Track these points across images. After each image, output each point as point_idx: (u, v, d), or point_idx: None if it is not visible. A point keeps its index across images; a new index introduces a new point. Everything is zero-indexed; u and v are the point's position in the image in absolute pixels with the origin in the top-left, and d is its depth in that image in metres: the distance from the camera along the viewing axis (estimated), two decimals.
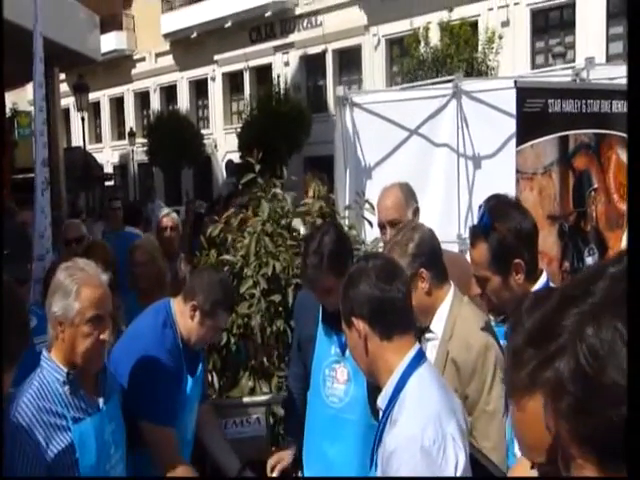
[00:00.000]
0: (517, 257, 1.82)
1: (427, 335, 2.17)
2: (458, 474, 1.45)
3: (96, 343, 1.85)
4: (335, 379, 2.34)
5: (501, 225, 1.84)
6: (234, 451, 2.82)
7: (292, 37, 22.33)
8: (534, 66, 16.59)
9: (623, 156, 2.83)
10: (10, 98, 8.70)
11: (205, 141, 23.61)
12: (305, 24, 22.05)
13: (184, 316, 2.34)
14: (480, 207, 1.99)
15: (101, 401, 1.93)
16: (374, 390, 2.35)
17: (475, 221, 1.99)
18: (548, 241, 2.70)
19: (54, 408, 1.78)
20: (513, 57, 16.40)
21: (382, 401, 1.61)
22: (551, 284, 1.88)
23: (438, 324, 2.15)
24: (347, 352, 2.31)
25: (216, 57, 23.98)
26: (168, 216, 4.48)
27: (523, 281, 1.84)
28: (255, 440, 2.98)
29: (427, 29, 16.10)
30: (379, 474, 1.55)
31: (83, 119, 17.55)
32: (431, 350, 2.10)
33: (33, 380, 1.82)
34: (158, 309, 2.39)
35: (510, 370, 0.91)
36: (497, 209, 1.87)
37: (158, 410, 2.18)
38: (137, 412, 2.17)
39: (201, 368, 2.49)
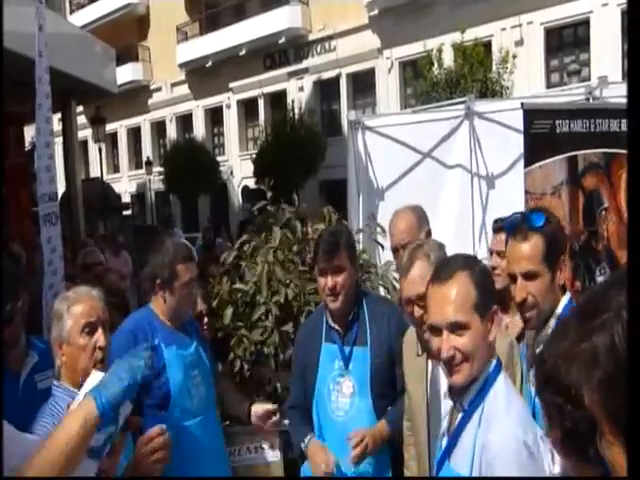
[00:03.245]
0: (563, 254, 1.83)
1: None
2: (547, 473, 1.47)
3: (94, 353, 1.87)
4: (340, 393, 2.36)
5: (552, 219, 1.85)
6: (247, 478, 2.82)
7: (306, 63, 22.62)
8: (549, 85, 16.54)
9: None
10: (30, 132, 8.89)
11: (221, 168, 23.86)
12: (319, 49, 22.34)
13: (159, 302, 2.48)
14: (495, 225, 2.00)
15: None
16: (379, 400, 2.36)
17: (489, 241, 1.99)
18: None
19: None
20: (528, 76, 16.37)
21: (465, 399, 1.56)
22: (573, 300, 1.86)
23: None
24: (351, 366, 2.33)
25: (231, 85, 24.34)
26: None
27: (562, 284, 1.84)
28: (269, 466, 2.97)
29: (440, 51, 16.13)
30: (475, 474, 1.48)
31: (100, 150, 17.88)
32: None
33: (45, 411, 1.82)
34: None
35: (555, 339, 0.98)
36: (540, 208, 1.95)
37: None
38: None
39: (195, 345, 2.54)
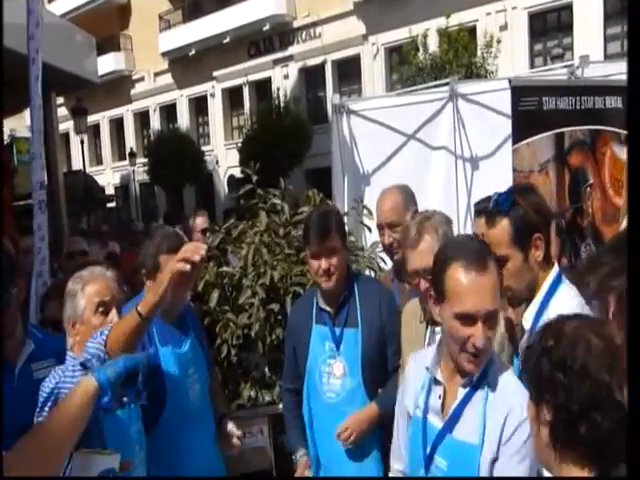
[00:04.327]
0: (537, 232, 1.84)
1: (437, 329, 2.18)
2: None
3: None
4: (332, 374, 2.35)
5: (522, 200, 1.85)
6: (237, 463, 2.81)
7: (291, 50, 22.47)
8: (533, 68, 16.61)
9: (618, 151, 2.82)
10: (8, 125, 8.74)
11: (206, 158, 23.70)
12: (304, 36, 22.19)
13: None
14: (477, 206, 1.98)
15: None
16: (370, 381, 2.37)
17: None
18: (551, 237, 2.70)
19: None
20: (512, 60, 16.43)
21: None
22: (562, 276, 1.88)
23: None
24: (341, 347, 2.32)
25: (215, 73, 24.13)
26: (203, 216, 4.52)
27: (541, 260, 1.85)
28: (258, 451, 2.96)
29: (425, 36, 16.15)
30: None
31: (82, 142, 17.66)
32: None
33: (56, 369, 1.85)
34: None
35: (583, 273, 1.07)
36: (516, 188, 1.91)
37: None
38: None
39: (190, 341, 2.49)
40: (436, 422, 1.71)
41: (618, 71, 4.05)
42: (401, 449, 1.87)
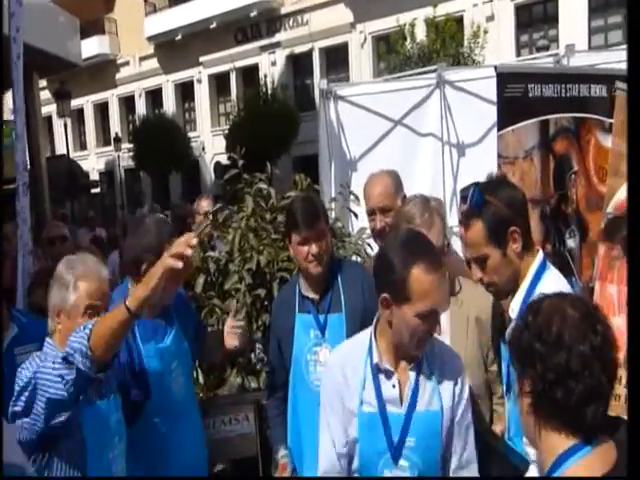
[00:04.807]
0: (512, 226, 1.85)
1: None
2: None
3: None
4: (318, 362, 2.34)
5: (493, 198, 1.86)
6: (223, 450, 2.80)
7: (278, 37, 22.30)
8: (519, 59, 16.70)
9: (602, 139, 2.85)
10: None
11: (193, 144, 23.51)
12: (291, 23, 22.03)
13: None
14: (463, 193, 1.99)
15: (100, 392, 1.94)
16: None
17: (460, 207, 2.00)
18: (530, 224, 2.71)
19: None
20: (498, 51, 16.48)
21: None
22: (547, 262, 1.90)
23: None
24: (327, 334, 2.32)
25: (201, 59, 23.89)
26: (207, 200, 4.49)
27: (521, 251, 1.87)
28: (244, 438, 2.97)
29: (413, 25, 16.17)
30: None
31: (66, 126, 17.40)
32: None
33: (34, 357, 1.82)
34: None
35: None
36: (485, 185, 1.90)
37: None
38: None
39: (174, 333, 2.40)
40: (396, 410, 1.78)
41: (603, 61, 4.09)
42: (335, 447, 1.84)
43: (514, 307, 1.88)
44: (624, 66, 3.17)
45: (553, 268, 1.91)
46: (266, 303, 3.09)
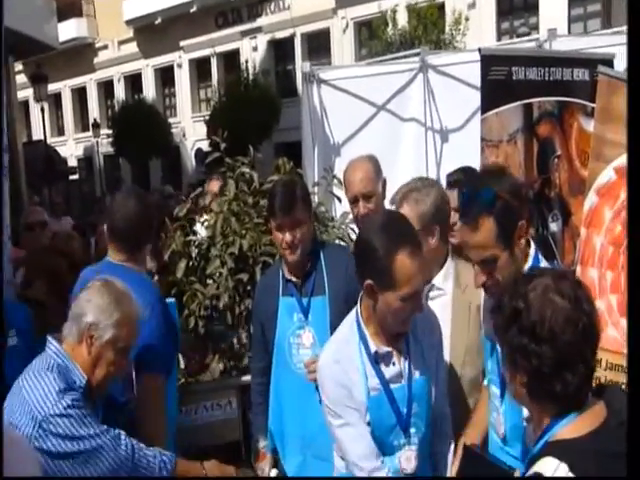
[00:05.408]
0: (521, 220, 1.74)
1: (431, 293, 2.23)
2: None
3: (115, 372, 1.90)
4: (301, 345, 2.34)
5: (500, 189, 1.72)
6: (206, 435, 2.79)
7: (259, 21, 22.05)
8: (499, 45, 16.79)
9: (584, 124, 2.86)
10: None
11: (173, 130, 23.25)
12: (273, 8, 21.79)
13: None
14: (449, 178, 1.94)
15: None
16: None
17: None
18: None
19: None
20: (479, 38, 16.49)
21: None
22: (539, 253, 1.84)
23: (443, 279, 2.25)
24: (310, 317, 2.31)
25: (182, 43, 23.55)
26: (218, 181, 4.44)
27: (524, 247, 1.79)
28: (227, 423, 2.96)
29: (395, 11, 16.14)
30: None
31: (43, 110, 17.06)
32: (443, 307, 2.16)
33: (53, 368, 1.79)
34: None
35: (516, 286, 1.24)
36: (490, 178, 1.78)
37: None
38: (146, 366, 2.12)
39: None
40: (397, 385, 1.83)
41: (584, 46, 4.10)
42: (370, 447, 1.82)
43: None
44: (604, 51, 3.18)
45: (544, 260, 1.86)
46: (249, 288, 3.07)
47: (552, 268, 1.34)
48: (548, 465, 1.14)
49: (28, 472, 1.08)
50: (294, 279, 2.39)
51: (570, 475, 1.11)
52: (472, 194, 1.76)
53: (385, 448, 1.82)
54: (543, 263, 1.83)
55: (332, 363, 1.86)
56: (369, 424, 1.81)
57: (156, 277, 3.09)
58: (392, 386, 1.82)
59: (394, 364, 1.84)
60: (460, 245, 1.92)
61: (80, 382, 1.82)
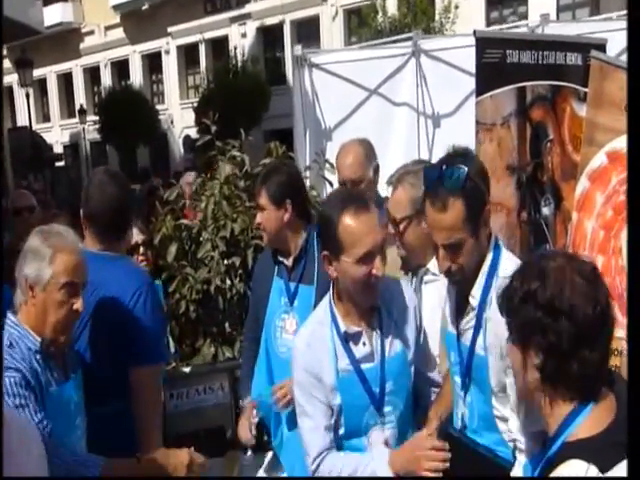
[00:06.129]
0: (486, 204, 1.67)
1: (425, 278, 2.19)
2: None
3: (68, 313, 1.79)
4: (284, 330, 2.34)
5: (472, 172, 1.62)
6: (196, 420, 2.78)
7: (248, 7, 21.83)
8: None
9: (577, 108, 2.87)
10: None
11: (161, 117, 23.03)
12: None
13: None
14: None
15: (68, 372, 1.88)
16: None
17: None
18: (507, 192, 2.72)
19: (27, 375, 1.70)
20: (469, 27, 16.44)
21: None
22: (500, 242, 1.77)
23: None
24: (295, 302, 2.31)
25: (170, 29, 23.29)
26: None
27: (489, 233, 1.71)
28: (219, 407, 2.95)
29: None
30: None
31: (28, 96, 16.80)
32: (438, 291, 2.09)
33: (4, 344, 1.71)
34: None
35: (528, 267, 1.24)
36: (462, 159, 1.68)
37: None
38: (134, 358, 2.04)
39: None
40: (370, 364, 1.82)
41: (575, 32, 4.10)
42: (321, 420, 1.83)
43: (475, 294, 1.72)
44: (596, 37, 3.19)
45: (503, 247, 1.77)
46: (240, 272, 3.05)
47: (563, 251, 1.31)
48: (577, 468, 1.08)
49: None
50: (285, 262, 2.38)
51: (600, 475, 1.07)
52: (441, 173, 1.65)
53: (360, 428, 1.81)
54: (504, 252, 1.75)
55: (304, 347, 1.86)
56: (341, 406, 1.81)
57: (142, 249, 3.07)
58: (363, 366, 1.81)
59: (364, 344, 1.83)
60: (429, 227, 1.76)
61: (35, 346, 1.75)
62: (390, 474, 1.72)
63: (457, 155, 1.72)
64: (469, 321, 1.75)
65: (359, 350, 1.82)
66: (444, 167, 1.66)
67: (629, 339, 1.10)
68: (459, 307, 1.81)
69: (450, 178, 1.62)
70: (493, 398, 1.73)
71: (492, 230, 1.76)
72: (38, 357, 1.75)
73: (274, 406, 2.29)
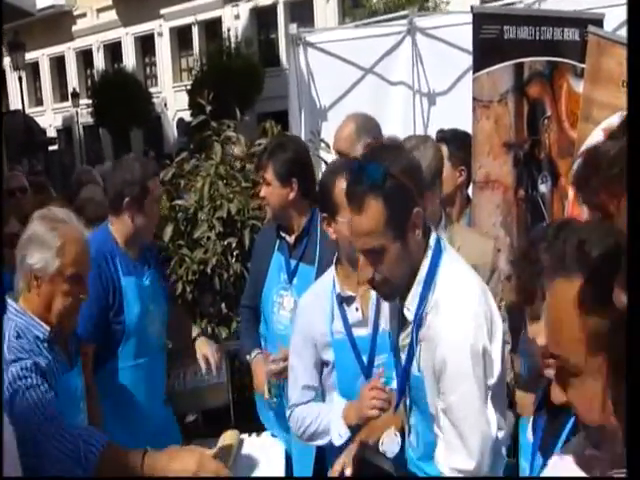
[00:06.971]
0: (417, 207, 1.45)
1: None
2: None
3: (74, 303, 1.80)
4: (282, 306, 2.34)
5: (395, 169, 1.42)
6: (194, 400, 2.79)
7: None
8: None
9: (574, 84, 2.84)
10: None
11: (154, 100, 22.85)
12: None
13: (121, 224, 2.28)
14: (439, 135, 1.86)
15: (72, 359, 1.88)
16: None
17: None
18: (504, 169, 2.70)
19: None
20: (463, 6, 16.33)
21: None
22: (442, 243, 1.54)
23: None
24: (294, 280, 2.30)
25: (162, 11, 23.01)
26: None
27: (421, 238, 1.49)
28: (216, 388, 2.95)
29: None
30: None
31: (20, 79, 16.62)
32: None
33: (8, 333, 1.69)
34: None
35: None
36: (381, 153, 1.48)
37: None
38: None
39: (151, 276, 2.36)
40: (363, 332, 1.85)
41: (573, 8, 4.05)
42: (302, 379, 1.90)
43: (410, 307, 1.51)
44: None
45: (449, 248, 1.57)
46: (237, 252, 3.05)
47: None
48: None
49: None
50: (287, 238, 2.36)
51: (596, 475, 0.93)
52: (358, 170, 1.45)
53: (352, 396, 1.83)
54: (447, 254, 1.53)
55: (303, 307, 1.93)
56: (334, 367, 1.86)
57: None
58: (356, 333, 1.85)
59: (357, 309, 1.86)
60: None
61: (43, 335, 1.74)
62: (343, 427, 1.78)
63: (383, 148, 1.59)
64: (407, 336, 1.55)
65: (352, 314, 1.86)
66: (363, 162, 1.47)
67: (628, 326, 0.86)
68: (400, 318, 1.59)
69: (366, 176, 1.42)
70: (435, 424, 1.53)
71: (434, 230, 1.56)
72: (46, 345, 1.74)
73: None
